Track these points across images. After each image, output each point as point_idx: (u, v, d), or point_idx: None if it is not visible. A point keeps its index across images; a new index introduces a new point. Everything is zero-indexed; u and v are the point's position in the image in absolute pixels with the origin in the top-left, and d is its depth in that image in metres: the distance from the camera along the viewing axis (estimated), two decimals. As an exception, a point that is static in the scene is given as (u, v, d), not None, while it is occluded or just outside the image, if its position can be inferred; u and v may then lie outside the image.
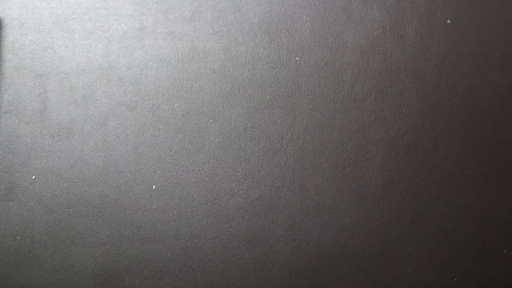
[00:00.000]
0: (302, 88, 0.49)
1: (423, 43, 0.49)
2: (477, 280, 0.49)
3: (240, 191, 0.49)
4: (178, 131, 0.49)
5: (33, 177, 0.50)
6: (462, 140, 0.49)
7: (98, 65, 0.50)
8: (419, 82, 0.49)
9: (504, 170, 0.49)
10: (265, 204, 0.49)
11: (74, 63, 0.50)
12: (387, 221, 0.49)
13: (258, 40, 0.49)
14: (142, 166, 0.49)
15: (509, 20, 0.49)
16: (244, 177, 0.49)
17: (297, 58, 0.49)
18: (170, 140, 0.49)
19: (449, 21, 0.49)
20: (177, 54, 0.50)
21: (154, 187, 0.49)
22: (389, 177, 0.49)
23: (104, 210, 0.50)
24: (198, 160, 0.49)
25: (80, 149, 0.50)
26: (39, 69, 0.50)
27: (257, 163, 0.49)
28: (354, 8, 0.49)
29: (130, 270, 0.50)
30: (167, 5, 0.50)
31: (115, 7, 0.50)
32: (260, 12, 0.49)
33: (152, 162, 0.49)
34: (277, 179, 0.49)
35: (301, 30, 0.49)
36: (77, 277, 0.50)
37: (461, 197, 0.49)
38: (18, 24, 0.51)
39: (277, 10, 0.49)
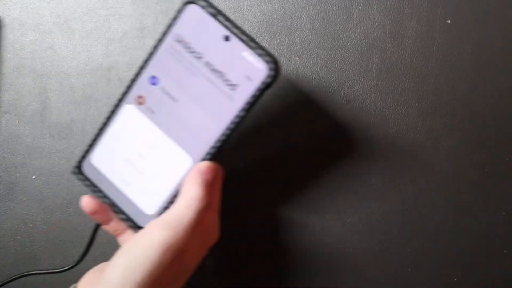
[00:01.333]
0: (302, 88, 0.49)
1: (423, 43, 0.49)
2: (477, 280, 0.49)
3: (240, 192, 0.49)
4: (178, 131, 0.49)
5: (33, 177, 0.50)
6: (462, 140, 0.49)
7: (98, 65, 0.50)
8: (419, 82, 0.49)
9: (504, 170, 0.49)
10: (265, 204, 0.49)
11: (74, 63, 0.50)
12: (387, 221, 0.49)
13: (258, 40, 0.49)
14: (142, 166, 0.49)
15: (509, 20, 0.49)
16: (244, 177, 0.49)
17: (297, 58, 0.49)
18: (170, 140, 0.49)
19: (449, 21, 0.49)
20: (177, 54, 0.50)
21: (154, 187, 0.49)
22: (389, 177, 0.49)
23: (104, 210, 0.50)
24: (198, 160, 0.49)
25: (80, 149, 0.50)
26: (39, 69, 0.50)
27: (257, 164, 0.49)
28: (354, 8, 0.49)
29: (130, 270, 0.50)
30: (167, 5, 0.50)
31: (115, 7, 0.50)
32: (260, 12, 0.49)
33: (152, 162, 0.49)
34: (277, 179, 0.49)
35: (301, 30, 0.49)
36: (77, 277, 0.50)
37: (461, 197, 0.49)
38: (18, 24, 0.51)
39: (277, 10, 0.49)
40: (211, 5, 0.36)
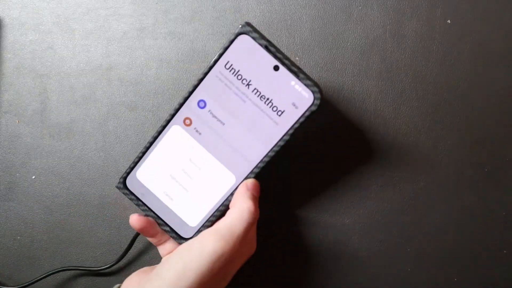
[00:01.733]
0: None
1: (423, 43, 0.49)
2: (477, 280, 0.49)
3: (240, 191, 0.49)
4: (178, 131, 0.49)
5: (33, 177, 0.50)
6: (462, 140, 0.49)
7: (98, 65, 0.50)
8: (419, 82, 0.49)
9: (504, 170, 0.49)
10: (265, 204, 0.49)
11: (74, 63, 0.50)
12: (387, 221, 0.49)
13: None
14: (142, 166, 0.49)
15: (509, 20, 0.49)
16: (244, 177, 0.49)
17: (297, 58, 0.49)
18: (170, 140, 0.49)
19: (449, 21, 0.49)
20: (177, 54, 0.50)
21: (154, 187, 0.49)
22: (389, 177, 0.49)
23: (104, 210, 0.50)
24: (198, 160, 0.49)
25: (80, 149, 0.50)
26: (39, 69, 0.50)
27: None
28: (354, 8, 0.49)
29: (130, 270, 0.50)
30: (167, 5, 0.50)
31: (115, 7, 0.50)
32: (260, 12, 0.49)
33: (152, 162, 0.49)
34: (277, 179, 0.49)
35: (301, 30, 0.49)
36: (77, 277, 0.50)
37: (461, 197, 0.49)
38: (18, 24, 0.51)
39: (277, 10, 0.49)
40: (263, 37, 0.39)
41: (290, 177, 0.49)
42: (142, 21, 0.50)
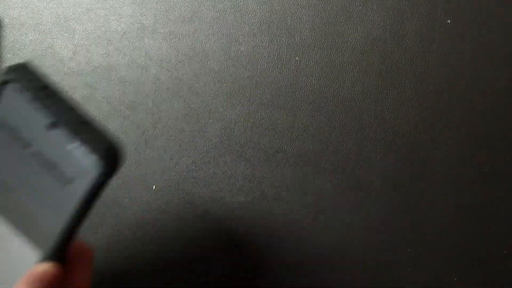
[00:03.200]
0: (302, 88, 0.49)
1: (423, 43, 0.49)
2: (477, 280, 0.49)
3: (240, 191, 0.49)
4: (178, 131, 0.49)
5: (33, 177, 0.50)
6: (462, 140, 0.49)
7: (98, 65, 0.50)
8: (419, 82, 0.49)
9: (504, 170, 0.49)
10: (265, 204, 0.49)
11: (74, 63, 0.50)
12: (387, 221, 0.49)
13: (258, 40, 0.49)
14: (142, 166, 0.49)
15: (509, 20, 0.49)
16: (244, 177, 0.49)
17: (297, 58, 0.49)
18: (170, 140, 0.49)
19: (449, 21, 0.49)
20: (177, 54, 0.50)
21: (154, 187, 0.49)
22: (389, 177, 0.49)
23: (105, 210, 0.50)
24: (198, 160, 0.49)
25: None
26: (39, 69, 0.50)
27: (257, 163, 0.49)
28: (354, 8, 0.49)
29: (130, 270, 0.50)
30: (167, 5, 0.50)
31: (115, 7, 0.50)
32: (260, 12, 0.49)
33: (152, 162, 0.49)
34: (277, 179, 0.49)
35: (301, 30, 0.49)
36: (77, 277, 0.50)
37: (461, 197, 0.49)
38: (18, 24, 0.51)
39: (277, 10, 0.49)
40: (33, 85, 0.30)
41: (289, 178, 0.49)
42: (142, 21, 0.50)
